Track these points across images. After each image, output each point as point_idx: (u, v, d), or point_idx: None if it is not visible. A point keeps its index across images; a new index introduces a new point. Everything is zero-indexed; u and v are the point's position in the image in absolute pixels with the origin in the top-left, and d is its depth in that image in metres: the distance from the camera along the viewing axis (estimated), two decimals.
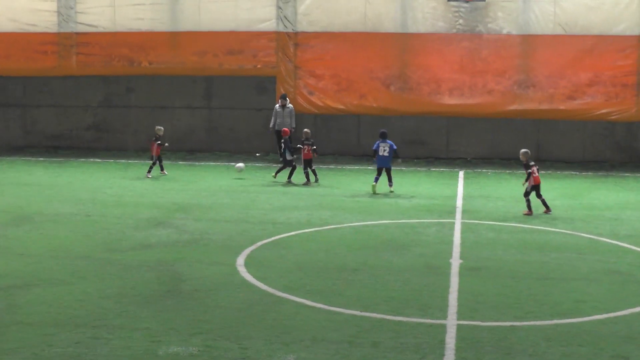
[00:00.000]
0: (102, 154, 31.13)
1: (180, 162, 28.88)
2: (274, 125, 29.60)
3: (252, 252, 16.80)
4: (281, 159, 26.09)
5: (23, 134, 33.41)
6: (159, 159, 26.53)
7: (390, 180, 24.25)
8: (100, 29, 32.40)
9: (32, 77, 33.14)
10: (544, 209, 21.35)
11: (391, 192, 24.04)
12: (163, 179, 26.10)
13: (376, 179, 24.28)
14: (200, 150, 31.75)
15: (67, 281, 14.76)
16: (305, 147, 25.59)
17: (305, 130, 26.58)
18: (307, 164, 25.64)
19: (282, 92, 30.76)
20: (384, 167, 24.37)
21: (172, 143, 27.75)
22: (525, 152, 21.75)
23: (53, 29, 32.95)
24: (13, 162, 29.60)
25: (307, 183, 25.43)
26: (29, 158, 30.38)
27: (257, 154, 25.83)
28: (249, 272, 15.20)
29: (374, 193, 23.91)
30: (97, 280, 14.81)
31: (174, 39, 32.23)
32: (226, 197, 23.02)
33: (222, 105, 31.97)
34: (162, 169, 26.62)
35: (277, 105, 29.81)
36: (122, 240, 17.86)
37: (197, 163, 28.76)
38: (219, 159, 29.90)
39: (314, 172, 25.77)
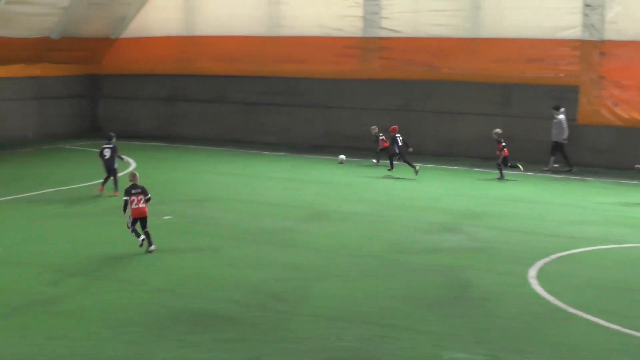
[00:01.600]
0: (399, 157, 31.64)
1: (477, 169, 28.69)
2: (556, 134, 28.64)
3: (544, 264, 16.30)
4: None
5: (324, 133, 34.81)
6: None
7: None
8: (402, 34, 32.94)
9: (335, 79, 34.45)
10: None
11: None
12: (455, 185, 26.01)
13: None
14: (495, 158, 31.36)
15: (357, 278, 15.17)
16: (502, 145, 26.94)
17: (497, 130, 27.39)
18: (504, 161, 27.09)
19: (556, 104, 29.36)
20: None
21: (466, 149, 27.62)
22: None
23: (358, 33, 34.03)
24: (314, 160, 30.92)
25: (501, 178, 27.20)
26: (329, 157, 31.57)
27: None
28: (540, 285, 14.76)
29: None
30: (387, 280, 15.07)
31: (474, 46, 32.07)
32: (519, 206, 22.54)
33: (519, 114, 31.37)
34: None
35: (560, 115, 28.70)
36: (413, 243, 18.05)
37: (491, 171, 28.43)
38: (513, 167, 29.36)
39: (510, 166, 27.20)
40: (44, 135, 37.75)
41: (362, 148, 32.58)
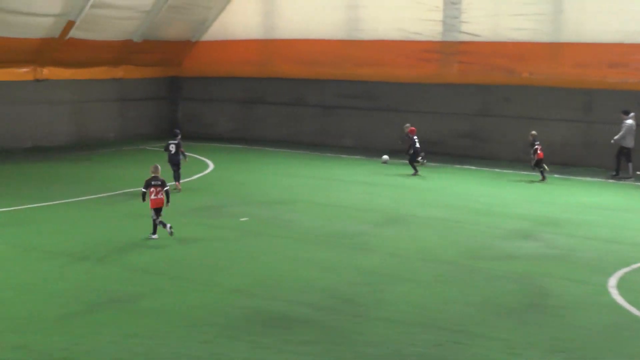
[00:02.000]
0: (476, 162, 31.37)
1: (556, 175, 28.22)
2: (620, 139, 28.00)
3: (625, 274, 15.93)
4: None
5: (401, 137, 34.62)
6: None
7: None
8: (482, 38, 32.63)
9: (413, 83, 34.31)
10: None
11: None
12: (537, 190, 25.64)
13: None
14: (575, 165, 30.80)
15: (432, 284, 15.08)
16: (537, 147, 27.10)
17: (533, 132, 27.54)
18: (537, 163, 27.19)
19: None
20: None
21: (545, 156, 27.19)
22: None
23: (437, 37, 33.82)
24: (390, 164, 30.83)
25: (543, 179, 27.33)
26: (406, 161, 31.43)
27: None
28: (620, 294, 14.44)
29: None
30: (461, 286, 14.94)
31: (555, 50, 31.56)
32: (598, 214, 22.09)
33: (601, 120, 30.75)
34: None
35: (629, 120, 28.00)
36: (489, 249, 17.85)
37: (570, 177, 27.96)
38: (596, 174, 28.80)
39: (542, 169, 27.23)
40: (125, 136, 38.54)
41: (440, 153, 32.37)
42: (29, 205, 22.02)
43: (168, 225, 18.13)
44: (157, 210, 18.24)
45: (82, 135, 36.96)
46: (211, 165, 30.02)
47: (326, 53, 36.20)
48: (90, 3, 32.75)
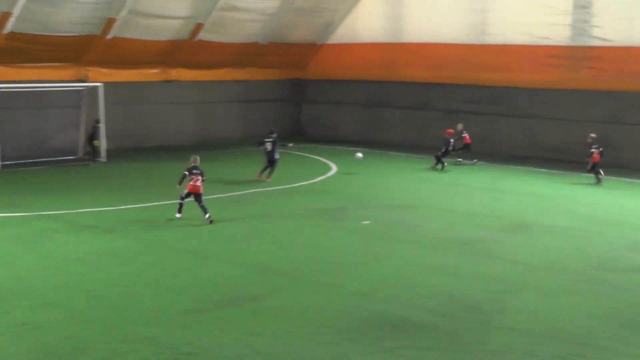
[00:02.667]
0: (604, 171, 30.49)
1: None
2: None
3: None
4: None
5: (527, 144, 34.03)
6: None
7: None
8: (614, 43, 31.64)
9: (540, 88, 33.60)
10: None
11: None
12: None
13: None
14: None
15: (557, 294, 14.72)
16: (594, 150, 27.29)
17: (592, 135, 27.76)
18: (593, 167, 27.38)
19: None
20: None
21: None
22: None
23: (565, 42, 33.01)
24: (515, 171, 30.31)
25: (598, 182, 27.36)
26: (531, 168, 30.85)
27: None
28: None
29: None
30: (588, 297, 14.53)
31: None
32: None
33: None
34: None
35: None
36: (617, 261, 17.31)
37: None
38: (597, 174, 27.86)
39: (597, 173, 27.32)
40: (248, 136, 39.16)
41: (566, 160, 31.63)
42: (156, 203, 22.68)
43: (207, 214, 20.04)
44: (196, 196, 20.25)
45: (207, 136, 37.81)
46: (334, 168, 30.18)
47: (451, 57, 35.90)
48: (218, 6, 33.46)
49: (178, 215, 20.41)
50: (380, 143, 37.55)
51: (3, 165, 28.65)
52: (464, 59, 35.51)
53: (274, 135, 27.33)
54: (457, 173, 29.55)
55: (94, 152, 30.58)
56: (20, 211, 21.16)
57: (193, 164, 20.60)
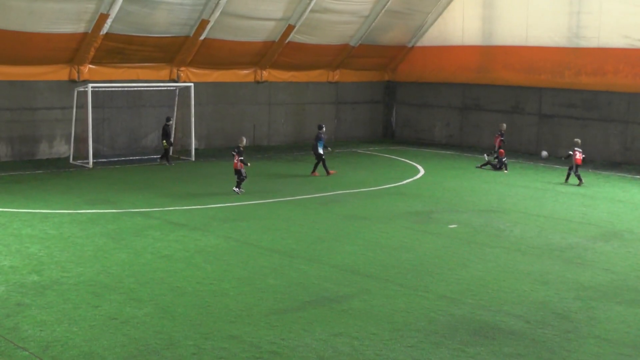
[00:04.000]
0: None
1: None
2: None
3: None
4: None
5: (622, 150, 33.20)
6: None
7: None
8: None
9: (637, 93, 32.70)
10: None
11: None
12: None
13: None
14: None
15: None
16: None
17: (576, 140, 28.25)
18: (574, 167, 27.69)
19: None
20: None
21: None
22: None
23: None
24: (609, 177, 29.60)
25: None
26: (626, 175, 30.11)
27: None
28: None
29: None
30: None
31: None
32: None
33: None
34: None
35: None
36: None
37: None
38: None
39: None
40: (340, 138, 39.31)
41: None
42: (247, 202, 22.93)
43: (238, 189, 23.82)
44: (235, 172, 23.85)
45: (299, 136, 38.07)
46: (422, 171, 30.00)
47: (545, 60, 35.29)
48: (310, 7, 33.64)
49: (236, 189, 23.91)
50: (471, 146, 37.17)
51: (99, 163, 29.41)
52: (558, 62, 34.86)
53: (322, 130, 28.62)
54: (548, 178, 29.01)
55: (165, 153, 30.26)
56: (113, 208, 21.68)
57: (238, 144, 24.29)
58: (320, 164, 28.18)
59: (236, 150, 23.96)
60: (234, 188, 23.92)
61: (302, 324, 12.65)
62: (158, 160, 30.45)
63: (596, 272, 16.38)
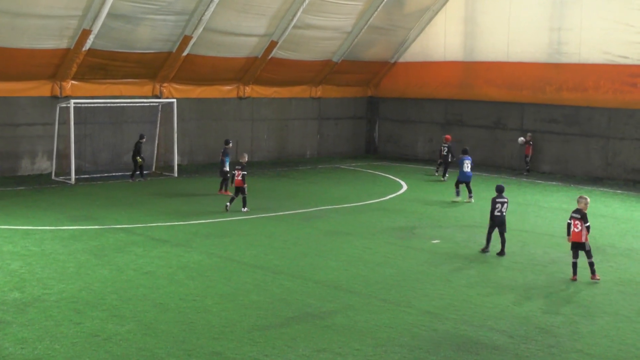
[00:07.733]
0: None
1: None
2: None
3: None
4: None
5: (604, 165, 33.39)
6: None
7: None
8: None
9: (618, 108, 32.92)
10: None
11: None
12: None
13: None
14: None
15: (632, 318, 14.38)
16: None
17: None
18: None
19: None
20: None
21: None
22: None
23: None
24: (591, 192, 29.67)
25: None
26: (607, 190, 30.28)
27: None
28: None
29: None
30: None
31: None
32: None
33: None
34: None
35: None
36: None
37: None
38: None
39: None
40: (322, 153, 39.35)
41: None
42: (230, 218, 22.89)
43: (245, 208, 23.78)
44: (237, 189, 23.82)
45: (281, 152, 38.09)
46: (404, 186, 30.06)
47: (527, 76, 35.52)
48: (293, 23, 33.72)
49: (244, 209, 23.82)
50: (454, 162, 37.27)
51: (81, 179, 29.28)
52: (539, 78, 35.07)
53: (227, 146, 27.90)
54: (530, 193, 29.12)
55: (135, 168, 29.86)
56: (95, 224, 21.58)
57: (241, 160, 24.28)
58: (222, 180, 27.46)
59: (240, 166, 23.78)
60: (242, 208, 23.79)
61: (286, 340, 12.61)
62: (130, 179, 29.87)
63: (579, 287, 16.44)
